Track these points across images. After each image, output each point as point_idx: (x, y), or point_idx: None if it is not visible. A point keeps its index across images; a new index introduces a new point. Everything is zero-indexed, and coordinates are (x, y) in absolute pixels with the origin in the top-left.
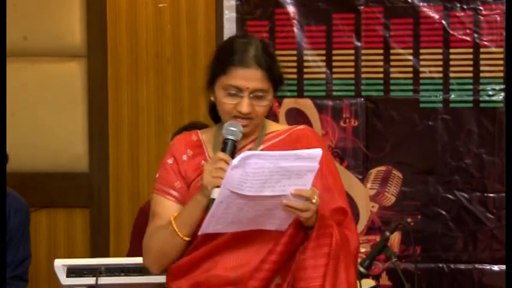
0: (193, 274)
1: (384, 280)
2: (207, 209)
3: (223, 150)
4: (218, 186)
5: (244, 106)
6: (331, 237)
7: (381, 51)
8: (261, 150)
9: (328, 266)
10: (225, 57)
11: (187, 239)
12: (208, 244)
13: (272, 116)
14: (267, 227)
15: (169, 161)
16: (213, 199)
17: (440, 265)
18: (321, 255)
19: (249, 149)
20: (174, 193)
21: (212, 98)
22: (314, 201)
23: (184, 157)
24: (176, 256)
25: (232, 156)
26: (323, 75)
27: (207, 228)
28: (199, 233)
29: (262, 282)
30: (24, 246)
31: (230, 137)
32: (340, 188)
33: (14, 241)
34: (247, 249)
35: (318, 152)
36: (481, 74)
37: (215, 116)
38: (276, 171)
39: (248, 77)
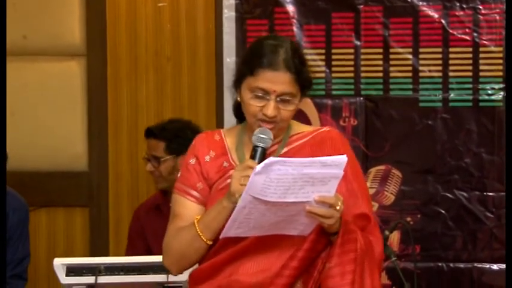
0: (216, 279)
1: (384, 279)
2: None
3: (253, 157)
4: None
5: (270, 109)
6: (356, 243)
7: (381, 50)
8: (285, 152)
9: (355, 272)
10: (253, 59)
11: (210, 242)
12: (230, 249)
13: None
14: (289, 232)
15: (192, 161)
16: None
17: (440, 264)
18: (347, 262)
19: (274, 151)
20: (196, 194)
21: (238, 98)
22: (338, 208)
23: (207, 158)
24: (197, 259)
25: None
26: (322, 74)
27: (228, 232)
28: (221, 236)
29: None
30: (23, 245)
31: (260, 144)
32: (364, 193)
33: (13, 239)
34: (269, 255)
35: (343, 159)
36: (481, 73)
37: (239, 115)
38: (299, 178)
39: (276, 80)
